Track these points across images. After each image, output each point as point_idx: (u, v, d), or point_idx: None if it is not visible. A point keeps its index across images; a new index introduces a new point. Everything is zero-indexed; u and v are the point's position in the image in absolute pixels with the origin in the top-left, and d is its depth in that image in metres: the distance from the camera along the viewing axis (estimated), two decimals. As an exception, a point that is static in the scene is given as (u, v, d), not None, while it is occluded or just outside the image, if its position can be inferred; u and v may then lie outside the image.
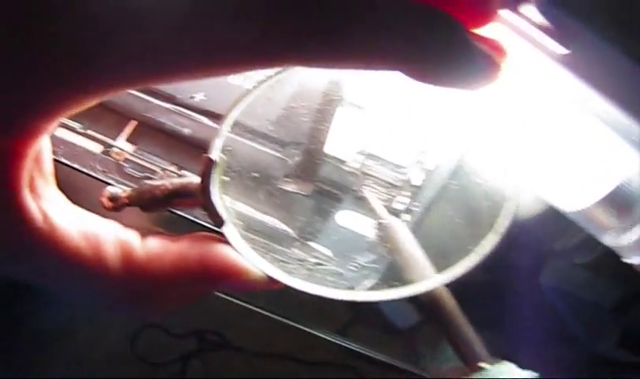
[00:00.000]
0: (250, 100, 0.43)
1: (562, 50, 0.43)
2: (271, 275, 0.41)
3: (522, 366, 0.45)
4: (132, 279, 0.37)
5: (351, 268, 0.53)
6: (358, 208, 0.56)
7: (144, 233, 0.39)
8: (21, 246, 0.33)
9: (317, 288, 0.43)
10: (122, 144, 0.61)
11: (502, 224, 0.43)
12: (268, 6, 0.27)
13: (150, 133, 0.61)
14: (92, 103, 0.30)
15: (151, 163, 0.60)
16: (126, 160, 0.60)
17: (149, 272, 0.37)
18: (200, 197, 0.41)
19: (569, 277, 0.74)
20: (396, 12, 0.30)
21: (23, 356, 1.01)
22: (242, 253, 0.41)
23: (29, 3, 0.27)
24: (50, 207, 0.34)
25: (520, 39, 0.46)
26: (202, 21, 0.27)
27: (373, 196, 0.54)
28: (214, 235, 0.41)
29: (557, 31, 0.44)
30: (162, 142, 0.61)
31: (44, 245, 0.34)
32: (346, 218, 0.56)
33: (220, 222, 0.41)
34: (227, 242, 0.41)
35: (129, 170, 0.60)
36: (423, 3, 0.30)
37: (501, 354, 0.45)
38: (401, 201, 0.56)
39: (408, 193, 0.56)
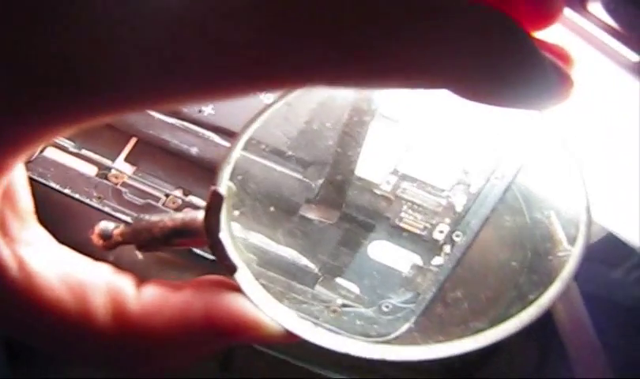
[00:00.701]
0: (265, 119, 0.36)
1: (634, 57, 0.38)
2: (291, 329, 0.35)
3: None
4: (125, 337, 0.32)
5: (383, 309, 0.46)
6: (391, 238, 0.48)
7: (141, 280, 0.34)
8: None
9: (345, 343, 0.37)
10: (120, 165, 0.54)
11: (569, 269, 0.35)
12: (293, 17, 0.21)
13: (152, 153, 0.54)
14: (75, 128, 0.23)
15: (153, 187, 0.53)
16: (125, 184, 0.53)
17: (145, 329, 0.32)
18: (206, 237, 0.35)
19: (604, 282, 0.67)
20: (448, 17, 0.23)
21: (43, 355, 0.98)
22: (257, 304, 0.35)
23: None
24: (27, 252, 0.30)
25: (583, 41, 0.40)
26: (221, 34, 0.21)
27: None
28: (223, 279, 0.36)
29: (628, 35, 0.37)
30: (165, 163, 0.54)
31: (20, 297, 0.29)
32: (378, 250, 0.48)
33: (230, 268, 0.35)
34: (238, 289, 0.35)
35: (129, 197, 0.52)
36: (478, 3, 0.24)
37: None
38: (441, 229, 0.48)
39: (449, 221, 0.48)
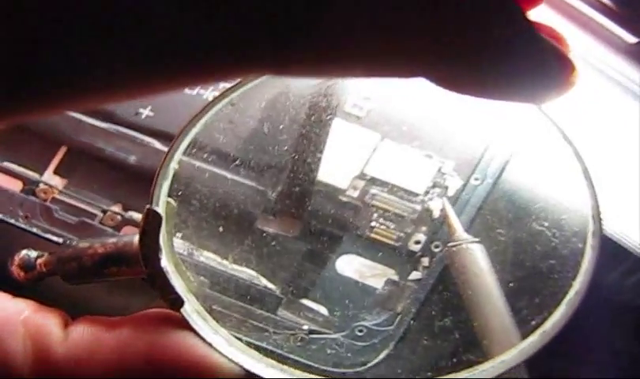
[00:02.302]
0: (206, 121, 0.31)
1: (632, 39, 0.34)
2: (250, 369, 0.30)
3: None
4: None
5: (357, 333, 0.40)
6: (362, 251, 0.42)
7: (70, 317, 0.31)
8: None
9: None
10: (49, 178, 0.47)
11: (578, 289, 0.30)
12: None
13: (85, 163, 0.48)
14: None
15: (88, 203, 0.46)
16: (55, 200, 0.46)
17: (72, 374, 0.28)
18: (143, 266, 0.29)
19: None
20: None
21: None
22: (210, 342, 0.30)
23: None
24: None
25: (570, 22, 0.36)
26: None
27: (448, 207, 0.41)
28: (169, 313, 0.31)
29: (625, 14, 0.34)
30: (101, 174, 0.47)
31: None
32: (347, 265, 0.43)
33: (175, 302, 0.29)
34: (186, 324, 0.31)
35: (61, 215, 0.46)
36: None
37: None
38: (418, 240, 0.42)
39: (426, 229, 0.42)
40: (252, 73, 0.18)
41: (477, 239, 0.38)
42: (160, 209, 0.30)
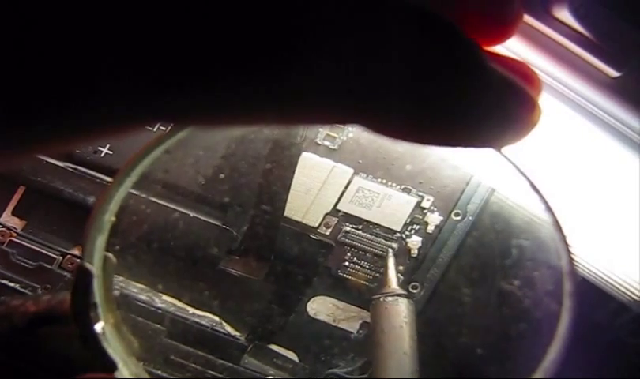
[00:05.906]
0: (156, 157, 0.28)
1: (612, 73, 0.31)
2: None
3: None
4: None
5: (328, 382, 0.37)
6: (335, 293, 0.40)
7: None
8: None
9: None
10: (7, 219, 0.45)
11: (552, 358, 0.27)
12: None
13: (44, 204, 0.45)
14: None
15: (46, 246, 0.43)
16: (13, 244, 0.43)
17: None
18: (75, 326, 0.26)
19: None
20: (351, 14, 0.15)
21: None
22: None
23: None
24: None
25: (548, 56, 0.33)
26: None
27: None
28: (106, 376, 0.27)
29: (605, 46, 0.31)
30: (60, 215, 0.45)
31: None
32: (319, 307, 0.40)
33: (107, 365, 0.26)
34: None
35: (18, 259, 0.43)
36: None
37: None
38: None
39: (403, 269, 0.40)
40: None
41: (403, 293, 0.38)
42: (95, 264, 0.27)
